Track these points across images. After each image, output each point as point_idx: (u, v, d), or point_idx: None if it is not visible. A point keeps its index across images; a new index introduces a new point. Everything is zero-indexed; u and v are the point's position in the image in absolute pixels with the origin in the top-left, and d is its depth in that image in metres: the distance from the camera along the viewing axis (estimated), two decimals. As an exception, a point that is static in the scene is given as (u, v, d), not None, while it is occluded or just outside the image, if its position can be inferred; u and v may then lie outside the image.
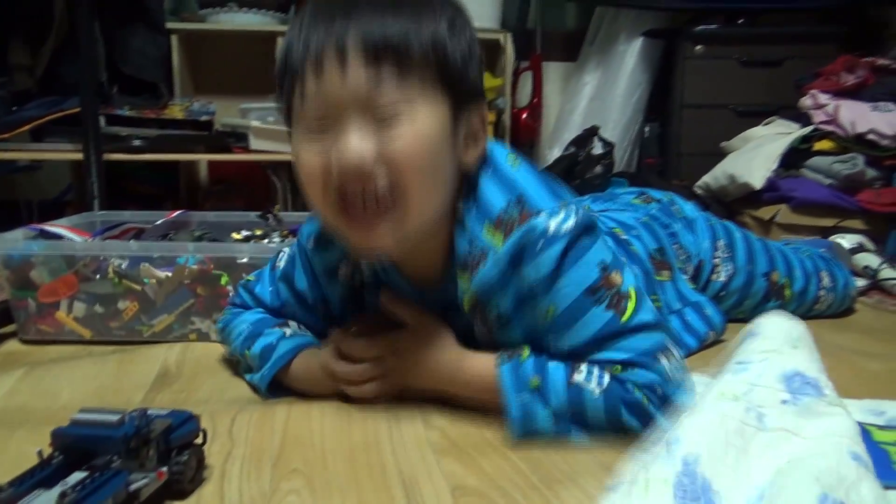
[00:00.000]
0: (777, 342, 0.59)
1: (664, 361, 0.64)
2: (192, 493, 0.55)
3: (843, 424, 0.51)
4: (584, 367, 0.64)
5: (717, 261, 1.00)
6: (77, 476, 0.49)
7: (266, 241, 1.13)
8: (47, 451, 0.51)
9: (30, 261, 0.94)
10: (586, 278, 0.64)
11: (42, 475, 0.49)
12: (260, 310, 0.82)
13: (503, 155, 0.69)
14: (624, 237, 0.89)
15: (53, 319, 0.95)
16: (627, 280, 0.66)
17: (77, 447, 0.51)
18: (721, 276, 1.00)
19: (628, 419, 0.62)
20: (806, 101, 1.74)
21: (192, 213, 1.23)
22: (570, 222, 0.63)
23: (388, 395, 0.72)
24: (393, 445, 0.63)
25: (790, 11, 2.21)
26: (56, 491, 0.46)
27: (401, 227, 0.62)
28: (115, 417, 0.51)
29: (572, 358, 0.65)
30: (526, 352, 0.67)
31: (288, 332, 0.78)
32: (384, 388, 0.71)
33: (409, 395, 0.72)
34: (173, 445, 0.54)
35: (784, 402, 0.53)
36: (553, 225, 0.63)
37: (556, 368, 0.64)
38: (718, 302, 1.00)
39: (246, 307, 0.83)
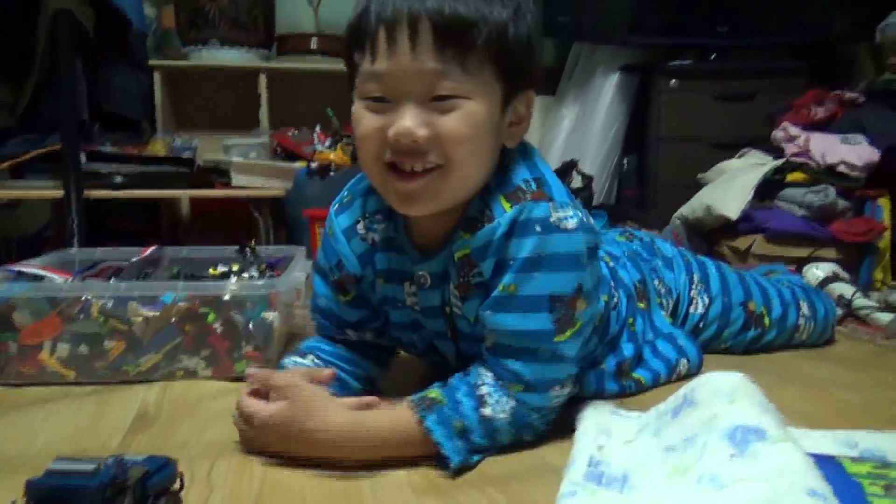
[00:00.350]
0: (714, 406, 0.63)
1: (557, 391, 0.71)
2: (169, 540, 0.54)
3: (792, 459, 0.53)
4: (489, 392, 0.68)
5: (693, 293, 1.04)
6: None
7: (244, 275, 1.13)
8: (21, 501, 0.51)
9: (10, 303, 0.93)
10: (559, 287, 0.68)
11: None
12: (316, 337, 0.86)
13: (535, 150, 0.76)
14: (612, 265, 0.92)
15: (35, 361, 0.94)
16: (585, 312, 0.70)
17: (52, 498, 0.50)
18: (698, 308, 1.04)
19: (525, 436, 0.71)
20: (778, 134, 1.78)
21: (166, 249, 1.23)
22: (573, 222, 0.68)
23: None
24: (374, 489, 0.63)
25: (760, 47, 2.28)
26: None
27: (442, 196, 0.68)
28: (90, 466, 0.51)
29: (493, 352, 0.70)
30: (437, 395, 0.69)
31: (287, 361, 0.82)
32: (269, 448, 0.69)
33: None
34: (150, 493, 0.53)
35: (732, 456, 0.55)
36: (556, 216, 0.67)
37: (468, 403, 0.68)
38: (699, 333, 1.04)
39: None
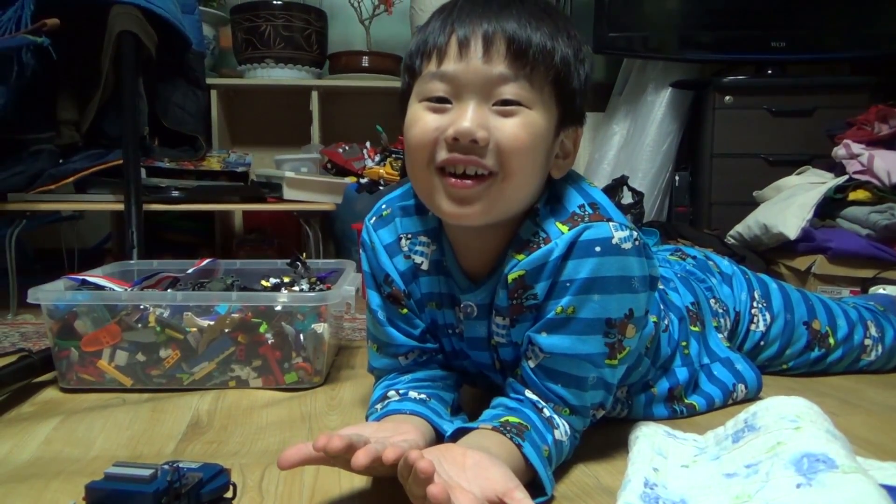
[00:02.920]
0: (778, 433, 0.61)
1: (595, 412, 0.72)
2: (221, 548, 0.55)
3: (865, 491, 0.50)
4: (552, 416, 0.68)
5: (754, 311, 1.01)
6: None
7: (295, 287, 1.14)
8: (80, 503, 0.52)
9: (73, 311, 0.96)
10: (613, 311, 0.67)
11: None
12: (385, 380, 0.80)
13: (582, 177, 0.75)
14: (661, 287, 0.90)
15: (95, 368, 0.97)
16: (632, 340, 0.70)
17: (110, 502, 0.52)
18: (759, 326, 1.01)
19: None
20: (839, 151, 1.72)
21: (220, 261, 1.25)
22: (629, 244, 0.66)
23: None
24: None
25: (819, 62, 2.21)
26: None
27: (495, 205, 0.66)
28: (147, 472, 0.52)
29: (540, 376, 0.69)
30: (516, 420, 0.66)
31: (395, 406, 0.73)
32: None
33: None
34: (203, 500, 0.54)
35: (799, 486, 0.53)
36: (617, 236, 0.66)
37: (543, 427, 0.66)
38: (759, 352, 1.01)
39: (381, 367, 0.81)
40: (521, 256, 0.69)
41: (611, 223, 0.67)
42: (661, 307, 0.85)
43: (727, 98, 2.15)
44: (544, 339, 0.68)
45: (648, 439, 0.72)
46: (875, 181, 1.61)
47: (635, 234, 0.68)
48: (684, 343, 0.88)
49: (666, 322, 0.86)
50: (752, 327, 1.00)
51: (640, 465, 0.65)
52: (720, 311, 0.97)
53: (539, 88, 0.65)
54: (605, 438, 0.76)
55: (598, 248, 0.65)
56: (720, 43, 2.22)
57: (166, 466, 0.53)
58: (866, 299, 1.19)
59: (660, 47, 2.29)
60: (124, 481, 0.52)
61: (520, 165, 0.65)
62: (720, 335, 0.94)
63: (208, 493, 0.55)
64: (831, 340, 1.03)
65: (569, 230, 0.67)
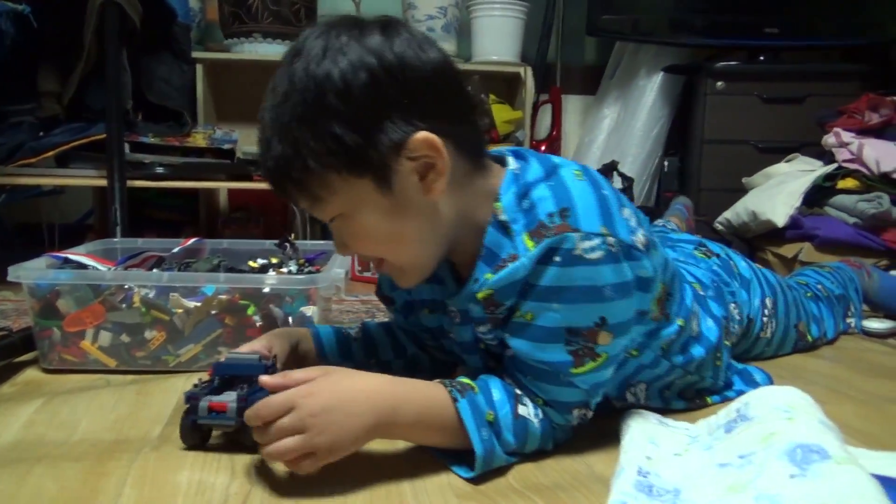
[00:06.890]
0: (771, 423, 0.61)
1: (579, 412, 0.69)
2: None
3: (858, 482, 0.51)
4: (522, 395, 0.68)
5: (765, 319, 1.00)
6: (231, 393, 0.68)
7: (283, 269, 1.13)
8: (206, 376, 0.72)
9: (56, 290, 0.94)
10: (577, 320, 0.64)
11: (209, 389, 0.70)
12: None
13: (570, 169, 0.68)
14: (702, 293, 0.87)
15: (78, 349, 0.95)
16: (610, 347, 0.66)
17: (230, 375, 0.71)
18: (767, 334, 1.02)
19: (547, 446, 0.69)
20: (829, 139, 1.73)
21: (206, 240, 1.23)
22: (598, 253, 0.62)
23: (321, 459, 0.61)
24: (415, 493, 0.62)
25: (812, 49, 2.21)
26: (232, 394, 0.68)
27: (413, 272, 0.71)
28: (255, 357, 0.71)
29: (512, 365, 0.68)
30: (470, 382, 0.67)
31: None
32: (314, 455, 0.60)
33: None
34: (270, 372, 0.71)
35: (793, 476, 0.53)
36: (581, 248, 0.62)
37: (501, 401, 0.66)
38: (757, 356, 1.03)
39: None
40: (489, 275, 0.66)
41: (577, 234, 0.62)
42: (696, 311, 0.80)
43: (719, 84, 2.14)
44: (508, 339, 0.67)
45: (640, 426, 0.72)
46: (864, 170, 1.62)
47: (610, 239, 0.63)
48: (719, 353, 0.83)
49: (695, 326, 0.80)
50: (762, 335, 1.00)
51: (633, 454, 0.65)
52: (737, 317, 0.94)
53: (330, 190, 0.63)
54: (596, 426, 0.75)
55: (557, 259, 0.62)
56: (713, 28, 2.21)
57: (255, 355, 0.72)
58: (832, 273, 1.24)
59: (652, 31, 2.28)
60: (242, 363, 0.70)
61: (390, 251, 0.68)
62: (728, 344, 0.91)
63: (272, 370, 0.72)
64: (809, 338, 1.09)
65: (535, 245, 0.63)
